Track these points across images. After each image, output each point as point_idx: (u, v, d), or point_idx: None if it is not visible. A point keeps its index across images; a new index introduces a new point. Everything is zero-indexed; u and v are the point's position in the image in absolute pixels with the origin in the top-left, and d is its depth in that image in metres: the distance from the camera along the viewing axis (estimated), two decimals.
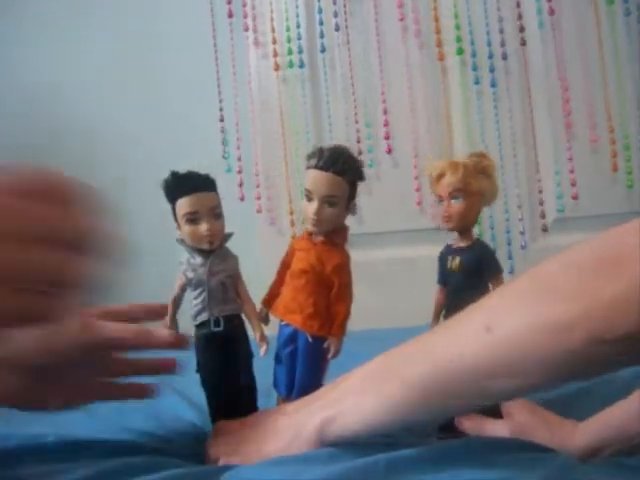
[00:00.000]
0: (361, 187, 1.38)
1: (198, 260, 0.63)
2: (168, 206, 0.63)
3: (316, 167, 0.60)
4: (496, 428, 0.61)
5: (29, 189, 0.35)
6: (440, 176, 0.67)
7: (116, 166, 1.44)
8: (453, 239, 0.69)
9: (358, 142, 1.37)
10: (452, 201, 0.67)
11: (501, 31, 1.32)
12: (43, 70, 1.49)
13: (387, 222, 1.35)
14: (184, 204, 0.61)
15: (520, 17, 1.31)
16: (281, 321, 0.64)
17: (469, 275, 0.67)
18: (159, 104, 1.45)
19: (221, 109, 1.41)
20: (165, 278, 0.66)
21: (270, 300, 0.65)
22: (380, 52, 1.36)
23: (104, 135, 1.46)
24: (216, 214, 0.62)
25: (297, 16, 1.39)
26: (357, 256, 1.42)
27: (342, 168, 0.60)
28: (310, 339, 0.63)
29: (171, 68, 1.45)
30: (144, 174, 1.43)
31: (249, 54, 1.41)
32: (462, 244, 0.68)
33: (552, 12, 1.30)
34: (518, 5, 1.32)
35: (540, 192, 1.33)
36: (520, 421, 0.61)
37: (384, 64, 1.36)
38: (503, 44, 1.32)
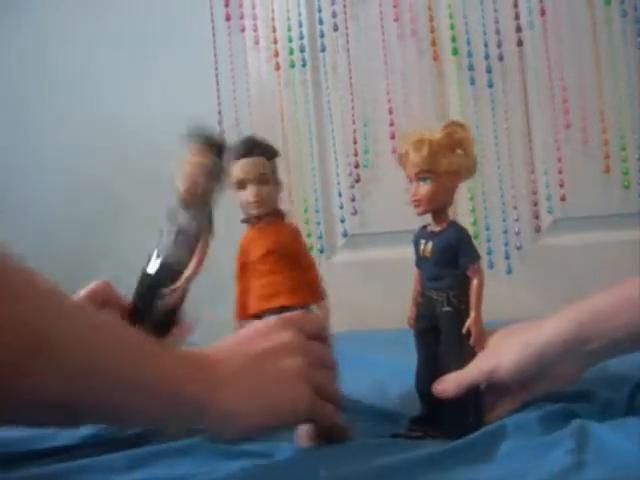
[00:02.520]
0: (362, 187, 1.38)
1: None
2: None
3: None
4: (471, 368, 0.60)
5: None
6: (407, 154, 0.62)
7: (113, 164, 1.45)
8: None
9: (355, 143, 1.37)
10: (420, 183, 0.61)
11: (497, 32, 1.32)
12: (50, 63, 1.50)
13: (387, 222, 1.35)
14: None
15: (517, 17, 1.31)
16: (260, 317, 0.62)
17: (441, 262, 0.62)
18: (154, 98, 1.45)
19: (219, 113, 1.41)
20: None
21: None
22: (383, 52, 1.36)
23: (106, 132, 1.46)
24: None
25: (299, 15, 1.38)
26: (357, 256, 1.44)
27: None
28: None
29: (169, 66, 1.45)
30: (140, 174, 1.44)
31: (247, 54, 1.41)
32: (435, 228, 0.63)
33: (543, 13, 1.31)
34: (515, 5, 1.32)
35: (534, 193, 1.33)
36: (489, 345, 0.61)
37: (387, 64, 1.36)
38: (500, 45, 1.32)
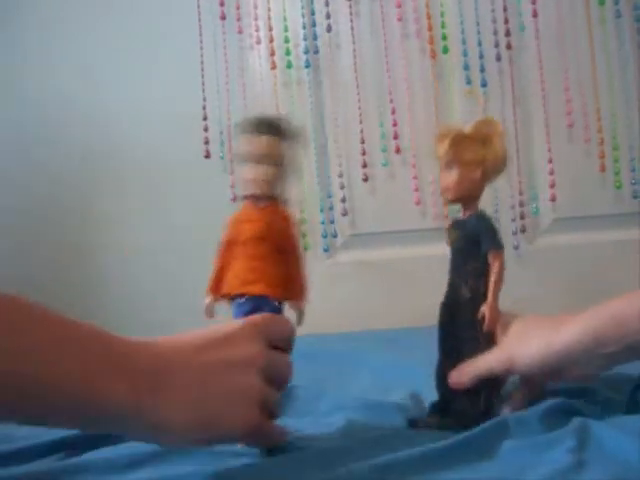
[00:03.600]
0: (361, 187, 1.39)
1: None
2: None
3: None
4: (488, 357, 0.60)
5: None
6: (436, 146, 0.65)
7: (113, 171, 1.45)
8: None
9: (362, 142, 1.37)
10: (448, 172, 0.64)
11: (495, 33, 1.33)
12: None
13: (387, 222, 1.35)
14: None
15: (507, 21, 1.32)
16: (235, 298, 0.60)
17: (464, 250, 0.63)
18: (152, 99, 1.45)
19: (204, 108, 1.40)
20: None
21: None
22: (384, 52, 1.36)
23: (103, 131, 1.46)
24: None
25: (303, 16, 1.38)
26: (357, 256, 1.44)
27: None
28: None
29: (164, 68, 1.44)
30: (140, 174, 1.43)
31: (243, 54, 1.41)
32: (463, 217, 0.65)
33: (535, 14, 1.31)
34: (504, 9, 1.32)
35: (521, 194, 1.33)
36: (511, 333, 0.61)
37: (388, 64, 1.36)
38: (497, 45, 1.33)
